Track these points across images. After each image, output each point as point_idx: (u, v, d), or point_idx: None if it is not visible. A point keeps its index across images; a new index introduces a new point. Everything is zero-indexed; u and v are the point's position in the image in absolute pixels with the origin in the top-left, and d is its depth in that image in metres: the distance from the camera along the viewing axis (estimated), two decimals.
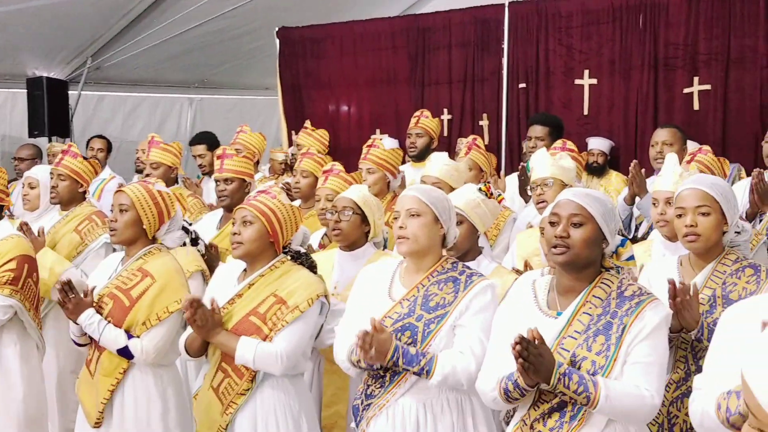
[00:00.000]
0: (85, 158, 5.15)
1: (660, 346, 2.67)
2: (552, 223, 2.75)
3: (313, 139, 6.68)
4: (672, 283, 3.08)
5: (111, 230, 3.70)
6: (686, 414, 2.90)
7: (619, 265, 2.84)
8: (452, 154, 5.90)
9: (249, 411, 3.37)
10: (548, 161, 4.33)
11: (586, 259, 2.72)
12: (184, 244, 4.12)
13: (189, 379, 4.33)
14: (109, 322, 3.58)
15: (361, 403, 3.26)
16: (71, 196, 5.05)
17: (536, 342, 2.54)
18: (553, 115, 6.70)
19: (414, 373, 3.04)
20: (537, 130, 5.85)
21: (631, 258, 2.86)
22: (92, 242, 4.88)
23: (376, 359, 2.99)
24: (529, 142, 5.89)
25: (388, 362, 3.01)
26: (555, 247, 2.70)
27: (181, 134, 9.42)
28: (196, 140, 7.08)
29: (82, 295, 3.58)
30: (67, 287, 3.55)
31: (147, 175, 5.16)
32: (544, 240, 3.50)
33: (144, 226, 3.67)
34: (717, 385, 2.41)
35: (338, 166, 4.68)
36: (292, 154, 6.89)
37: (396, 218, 3.22)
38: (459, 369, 3.00)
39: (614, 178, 6.90)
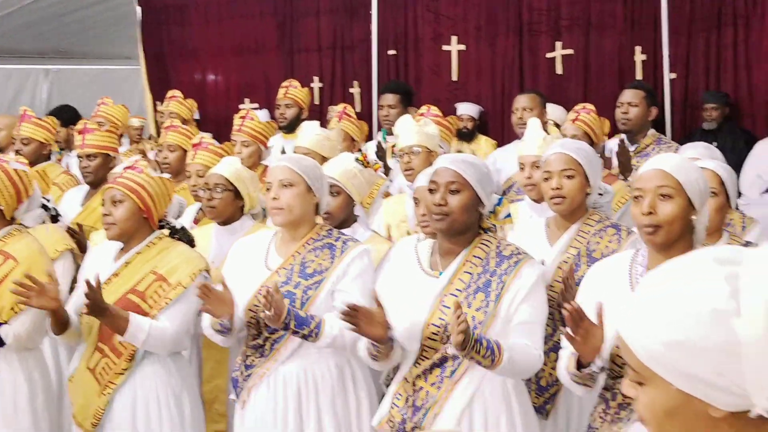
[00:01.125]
0: None
1: (539, 305, 2.84)
2: (431, 191, 2.84)
3: (185, 108, 6.54)
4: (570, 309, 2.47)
5: None
6: (552, 368, 3.04)
7: (496, 224, 2.98)
8: (324, 123, 5.86)
9: (128, 391, 3.30)
10: (413, 129, 4.35)
11: (464, 224, 2.84)
12: (44, 222, 3.96)
13: (61, 361, 4.18)
14: None
15: (241, 374, 3.27)
16: None
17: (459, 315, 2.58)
18: (402, 82, 6.75)
19: (303, 336, 3.06)
20: (388, 98, 5.90)
21: (508, 216, 2.96)
22: None
23: (273, 321, 2.98)
24: (381, 110, 5.95)
25: (282, 323, 3.00)
26: (435, 214, 2.80)
27: (37, 108, 8.86)
28: (51, 115, 6.79)
29: None
30: None
31: (17, 151, 4.90)
32: (420, 206, 3.55)
33: (2, 207, 3.51)
34: None
35: (207, 139, 4.58)
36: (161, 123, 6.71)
37: (269, 189, 3.20)
38: (345, 332, 3.02)
39: (483, 142, 7.04)
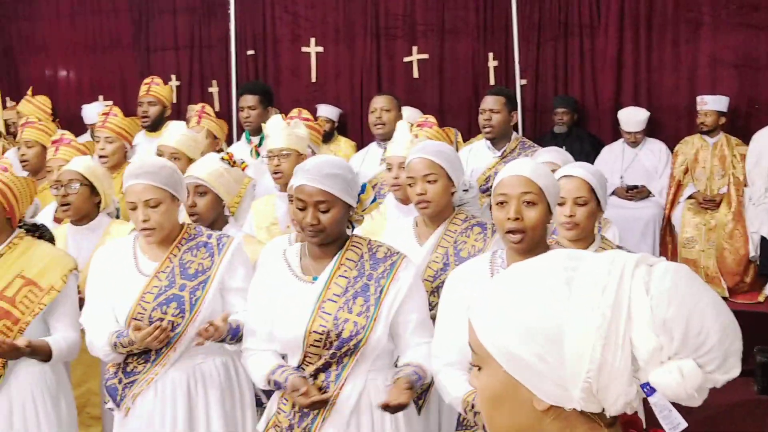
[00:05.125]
0: None
1: (420, 301, 2.91)
2: (300, 209, 2.81)
3: (33, 106, 6.30)
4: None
5: None
6: None
7: (364, 214, 3.01)
8: (182, 121, 5.79)
9: (4, 397, 3.21)
10: (284, 131, 4.32)
11: (338, 234, 2.85)
12: None
13: None
14: None
15: (119, 381, 3.19)
16: None
17: None
18: (261, 82, 6.72)
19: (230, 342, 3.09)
20: (248, 100, 5.79)
21: (375, 200, 2.99)
22: None
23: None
24: (242, 112, 5.86)
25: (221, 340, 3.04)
26: (309, 231, 2.80)
27: None
28: None
29: None
30: None
31: None
32: (291, 209, 3.60)
33: None
34: (455, 358, 2.68)
35: (69, 135, 4.47)
36: (12, 122, 6.47)
37: (133, 209, 3.13)
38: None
39: (343, 143, 7.15)
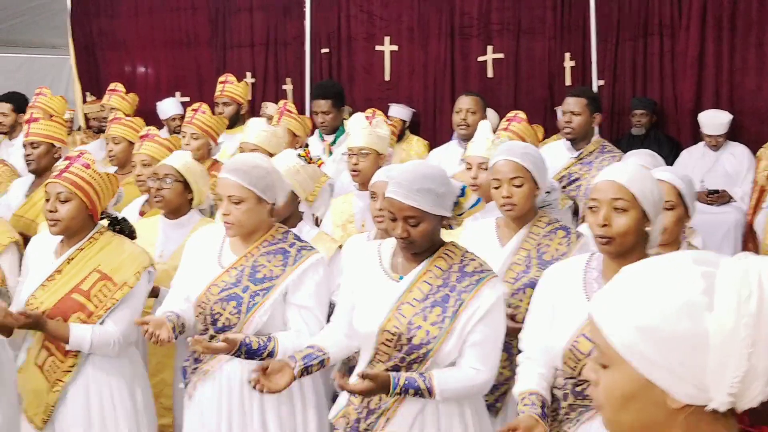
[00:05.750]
0: None
1: (497, 325, 2.81)
2: (392, 220, 2.76)
3: (127, 103, 6.46)
4: None
5: None
6: (503, 367, 3.09)
7: (462, 216, 2.91)
8: (263, 118, 5.84)
9: (81, 385, 3.29)
10: (365, 130, 4.33)
11: (429, 242, 2.80)
12: None
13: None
14: None
15: (190, 365, 3.28)
16: None
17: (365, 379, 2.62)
18: (331, 83, 6.65)
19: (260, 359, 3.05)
20: (321, 105, 5.76)
21: (477, 203, 2.95)
22: None
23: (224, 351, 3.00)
24: (316, 117, 5.85)
25: (233, 354, 3.01)
26: (401, 240, 2.77)
27: None
28: (2, 98, 6.66)
29: None
30: None
31: None
32: (377, 201, 3.60)
33: None
34: (537, 354, 2.73)
35: (154, 131, 4.55)
36: (92, 117, 6.61)
37: (220, 200, 3.18)
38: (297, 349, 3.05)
39: (415, 142, 7.12)
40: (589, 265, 2.72)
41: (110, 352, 3.27)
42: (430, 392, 2.68)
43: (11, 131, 6.48)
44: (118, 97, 6.50)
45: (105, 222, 3.42)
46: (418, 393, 2.68)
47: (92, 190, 3.29)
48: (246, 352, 2.99)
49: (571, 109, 5.03)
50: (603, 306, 1.27)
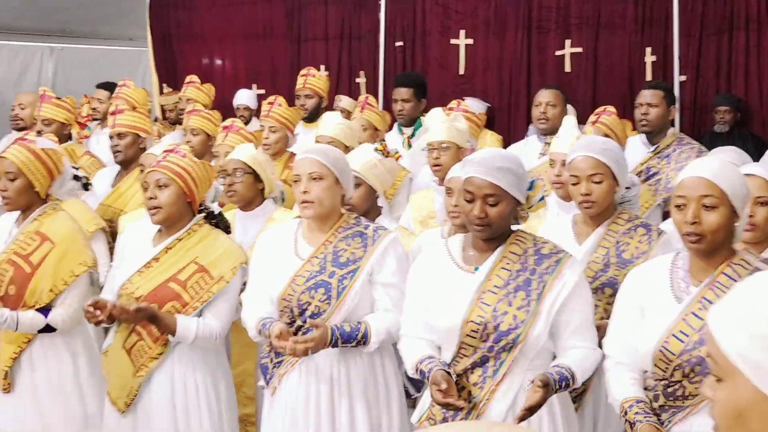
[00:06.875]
0: None
1: (584, 302, 2.82)
2: (468, 200, 2.77)
3: (204, 94, 6.53)
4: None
5: (4, 199, 3.55)
6: None
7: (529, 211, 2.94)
8: (338, 112, 5.85)
9: (166, 372, 3.33)
10: (444, 124, 4.29)
11: (503, 228, 2.81)
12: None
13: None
14: (10, 289, 3.43)
15: (271, 360, 3.27)
16: None
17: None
18: (415, 74, 6.67)
19: (352, 346, 3.09)
20: (402, 92, 5.79)
21: (542, 199, 2.92)
22: None
23: (316, 350, 3.02)
24: (395, 104, 5.86)
25: (329, 346, 3.05)
26: (476, 225, 2.77)
27: (43, 85, 8.90)
28: (100, 86, 6.79)
29: None
30: None
31: (39, 132, 4.87)
32: (453, 196, 3.56)
33: (36, 189, 3.52)
34: (625, 357, 2.70)
35: (238, 123, 4.61)
36: (180, 109, 6.70)
37: (297, 181, 3.18)
38: (392, 329, 3.09)
39: (489, 137, 7.01)
40: (675, 264, 2.66)
41: (211, 345, 3.33)
42: (572, 381, 2.71)
43: (104, 119, 6.60)
44: (194, 88, 6.57)
45: (202, 215, 3.46)
46: (565, 385, 2.70)
47: (189, 177, 3.33)
48: (341, 335, 3.03)
49: (647, 101, 5.04)
50: (719, 315, 1.24)
